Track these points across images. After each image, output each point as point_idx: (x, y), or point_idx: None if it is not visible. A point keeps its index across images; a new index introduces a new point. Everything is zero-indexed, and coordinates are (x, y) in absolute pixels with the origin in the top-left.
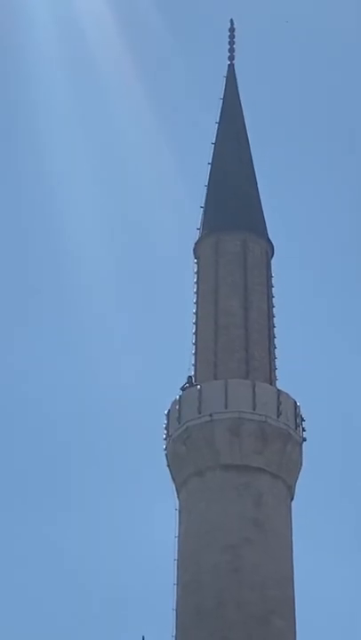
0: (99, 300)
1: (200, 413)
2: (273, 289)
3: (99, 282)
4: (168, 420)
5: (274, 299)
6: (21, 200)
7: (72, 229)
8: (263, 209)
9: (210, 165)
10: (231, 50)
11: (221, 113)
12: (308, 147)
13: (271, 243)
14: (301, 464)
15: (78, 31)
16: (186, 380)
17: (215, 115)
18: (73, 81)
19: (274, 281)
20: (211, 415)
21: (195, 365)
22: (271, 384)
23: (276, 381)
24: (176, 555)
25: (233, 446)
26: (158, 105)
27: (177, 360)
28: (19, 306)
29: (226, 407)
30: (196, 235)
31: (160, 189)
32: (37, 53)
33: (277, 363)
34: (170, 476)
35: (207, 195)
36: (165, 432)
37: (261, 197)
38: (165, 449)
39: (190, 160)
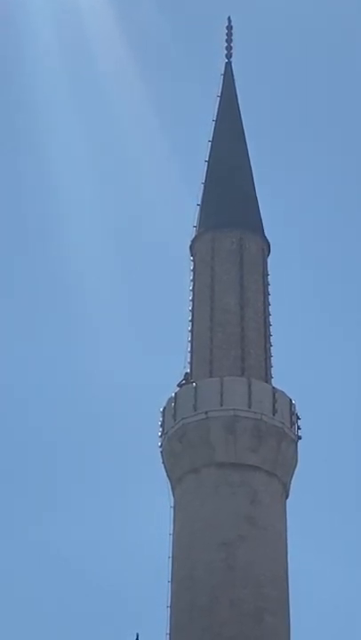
0: (94, 296)
1: (196, 411)
2: (269, 287)
3: (94, 278)
4: (163, 417)
5: (270, 296)
6: (20, 194)
7: (68, 224)
8: (260, 206)
9: (207, 163)
10: (229, 48)
11: (218, 110)
12: (306, 144)
13: (268, 240)
14: (297, 462)
15: (77, 27)
16: (183, 377)
17: (212, 112)
18: (72, 78)
19: (270, 279)
20: (206, 413)
21: (190, 363)
22: (267, 382)
23: (272, 379)
24: (171, 552)
25: (228, 444)
26: (155, 102)
27: (173, 357)
28: (15, 301)
29: (221, 405)
30: (193, 232)
31: (157, 186)
32: (36, 47)
33: (273, 361)
34: (165, 473)
35: (204, 192)
36: (161, 429)
37: (258, 195)
38: (161, 446)
39: (187, 157)
